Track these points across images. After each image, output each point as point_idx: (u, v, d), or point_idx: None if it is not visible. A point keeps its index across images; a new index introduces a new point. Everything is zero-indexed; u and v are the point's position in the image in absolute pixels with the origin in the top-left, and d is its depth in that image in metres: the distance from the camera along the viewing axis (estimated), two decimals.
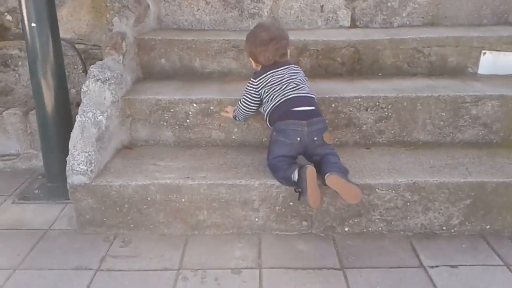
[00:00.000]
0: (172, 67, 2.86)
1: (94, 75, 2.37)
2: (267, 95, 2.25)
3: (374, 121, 2.50)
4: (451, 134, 2.50)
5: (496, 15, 3.21)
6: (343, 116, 2.49)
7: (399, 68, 2.86)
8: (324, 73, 2.85)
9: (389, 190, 2.14)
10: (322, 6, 3.22)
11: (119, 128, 2.45)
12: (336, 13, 3.23)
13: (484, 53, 2.81)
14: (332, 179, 2.00)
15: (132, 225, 2.18)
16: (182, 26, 3.24)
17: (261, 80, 2.26)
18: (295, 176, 2.05)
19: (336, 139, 2.48)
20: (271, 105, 2.22)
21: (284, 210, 2.16)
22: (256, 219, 2.17)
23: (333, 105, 2.48)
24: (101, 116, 2.28)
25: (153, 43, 2.83)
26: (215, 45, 2.82)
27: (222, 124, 2.51)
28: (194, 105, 2.48)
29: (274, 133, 2.20)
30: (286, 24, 3.21)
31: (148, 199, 2.14)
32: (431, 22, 3.23)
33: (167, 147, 2.52)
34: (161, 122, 2.52)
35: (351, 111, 2.49)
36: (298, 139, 2.14)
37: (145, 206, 2.15)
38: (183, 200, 2.14)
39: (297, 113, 2.16)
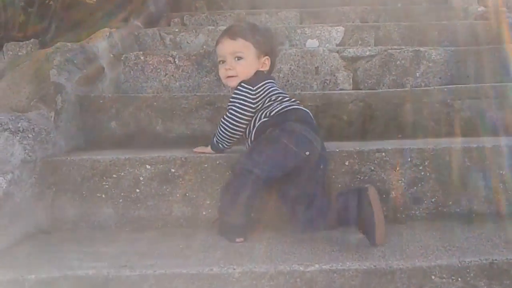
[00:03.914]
0: (125, 133, 2.15)
1: (1, 124, 1.64)
2: (261, 106, 1.68)
3: (406, 185, 1.74)
4: None
5: None
6: (361, 178, 1.74)
7: (424, 128, 2.18)
8: (326, 135, 2.14)
9: (453, 277, 1.31)
10: (317, 68, 2.64)
11: (33, 203, 1.66)
12: (334, 75, 2.64)
13: None
14: (373, 191, 1.48)
15: None
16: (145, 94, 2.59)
17: (261, 88, 1.67)
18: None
19: None
20: (267, 112, 1.66)
21: None
22: None
23: (346, 163, 1.74)
24: (1, 178, 1.50)
25: (101, 101, 2.16)
26: (183, 102, 2.15)
27: (188, 194, 1.73)
28: (147, 167, 1.73)
29: (277, 131, 1.59)
30: None
31: None
32: (451, 83, 2.63)
33: (105, 230, 1.71)
34: (98, 194, 1.73)
35: (372, 170, 1.74)
36: (307, 153, 1.54)
37: None
38: None
39: (310, 125, 1.64)
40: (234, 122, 1.67)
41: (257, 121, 1.65)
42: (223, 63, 1.76)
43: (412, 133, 2.17)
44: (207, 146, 1.79)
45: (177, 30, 3.15)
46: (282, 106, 1.65)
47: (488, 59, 2.64)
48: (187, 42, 3.12)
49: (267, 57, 1.77)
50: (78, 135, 2.13)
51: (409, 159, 1.74)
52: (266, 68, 1.78)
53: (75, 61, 2.26)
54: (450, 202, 1.75)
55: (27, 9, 3.04)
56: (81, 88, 2.25)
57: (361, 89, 2.59)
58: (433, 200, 1.75)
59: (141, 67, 2.62)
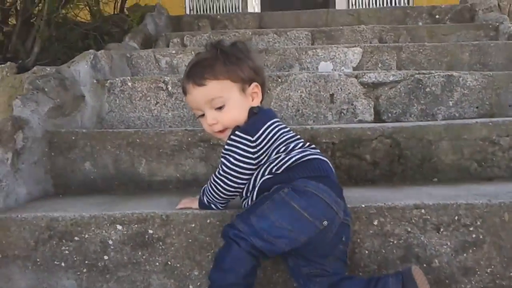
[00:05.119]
0: (101, 175, 1.78)
1: None
2: (265, 160, 1.27)
3: (453, 251, 1.35)
4: None
5: None
6: (395, 242, 1.35)
7: (465, 170, 1.79)
8: (345, 178, 1.77)
9: None
10: (332, 96, 2.27)
11: None
12: (352, 104, 2.26)
13: None
14: (420, 274, 1.16)
15: None
16: (132, 126, 2.23)
17: (264, 135, 1.27)
18: None
19: None
20: (272, 168, 1.26)
21: None
22: None
23: (375, 222, 1.35)
24: None
25: (73, 138, 1.79)
26: (172, 139, 1.78)
27: (170, 263, 1.34)
28: (119, 227, 1.35)
29: (285, 191, 1.19)
30: (282, 120, 2.21)
31: None
32: (490, 113, 2.24)
33: None
34: (57, 262, 1.36)
35: (409, 232, 1.35)
36: (325, 222, 1.17)
37: None
38: None
39: (330, 181, 1.22)
40: (229, 182, 1.27)
41: (258, 178, 1.26)
42: (202, 116, 1.34)
43: (451, 177, 1.78)
44: (196, 197, 1.40)
45: (174, 52, 2.81)
46: (293, 158, 1.25)
47: None
48: (185, 65, 2.72)
49: (254, 83, 1.33)
50: (46, 178, 1.76)
51: (456, 218, 1.35)
52: (258, 98, 1.34)
53: (46, 89, 1.91)
54: (511, 273, 1.34)
55: (3, 28, 2.72)
56: (53, 122, 1.89)
57: (384, 121, 2.21)
58: (488, 270, 1.34)
59: (128, 95, 2.26)
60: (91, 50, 2.45)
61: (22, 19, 2.92)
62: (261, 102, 1.36)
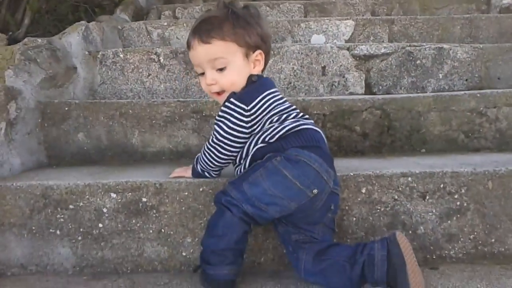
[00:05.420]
0: (95, 146, 1.80)
1: None
2: (259, 130, 1.28)
3: (438, 218, 1.39)
4: None
5: None
6: (382, 209, 1.39)
7: (453, 141, 1.83)
8: (336, 149, 1.80)
9: None
10: (323, 68, 2.28)
11: None
12: (344, 77, 2.27)
13: None
14: (403, 238, 1.17)
15: None
16: (124, 98, 2.24)
17: (258, 105, 1.27)
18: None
19: None
20: (266, 137, 1.27)
21: None
22: None
23: (363, 190, 1.38)
24: None
25: (66, 108, 1.80)
26: (164, 110, 1.79)
27: (164, 230, 1.38)
28: (113, 195, 1.38)
29: (278, 159, 1.21)
30: None
31: None
32: (479, 86, 2.27)
33: (59, 276, 1.35)
34: (51, 229, 1.39)
35: (396, 199, 1.39)
36: (315, 190, 1.19)
37: None
38: None
39: (321, 151, 1.24)
40: (222, 150, 1.29)
41: (251, 146, 1.28)
42: (202, 74, 1.33)
43: (439, 148, 1.81)
44: (189, 166, 1.43)
45: (165, 24, 2.79)
46: (286, 127, 1.26)
47: None
48: (177, 38, 2.76)
49: (258, 51, 1.32)
50: (40, 149, 1.78)
51: (441, 186, 1.39)
52: (260, 66, 1.33)
53: (38, 60, 1.91)
54: (493, 240, 1.39)
55: None
56: (45, 93, 1.90)
57: (375, 93, 2.23)
58: (471, 237, 1.39)
59: (120, 67, 2.26)
60: (82, 22, 2.44)
61: None
62: (262, 71, 1.36)
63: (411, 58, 2.26)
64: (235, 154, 1.30)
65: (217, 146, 1.29)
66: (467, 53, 2.25)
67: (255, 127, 1.27)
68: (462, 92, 1.87)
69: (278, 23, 2.74)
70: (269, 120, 1.27)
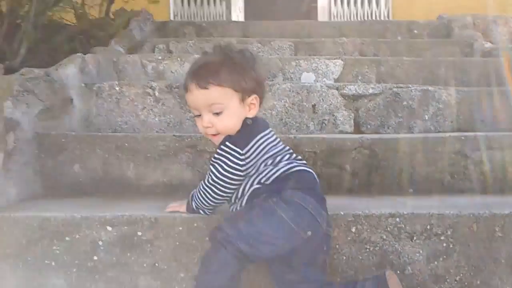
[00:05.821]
0: (90, 178, 1.83)
1: None
2: (254, 172, 1.33)
3: (425, 259, 1.44)
4: None
5: None
6: (371, 249, 1.44)
7: (439, 182, 1.89)
8: (326, 187, 1.84)
9: None
10: (314, 106, 2.35)
11: None
12: (333, 115, 2.35)
13: None
14: (395, 280, 1.23)
15: None
16: (119, 130, 2.28)
17: (253, 148, 1.32)
18: None
19: None
20: (261, 178, 1.32)
21: None
22: None
23: (353, 229, 1.43)
24: None
25: (62, 140, 1.83)
26: (160, 144, 1.84)
27: (158, 264, 1.40)
28: (109, 228, 1.40)
29: (274, 200, 1.25)
30: None
31: None
32: (464, 128, 2.36)
33: None
34: (47, 261, 1.40)
35: (385, 239, 1.44)
36: (309, 233, 1.24)
37: None
38: None
39: (314, 193, 1.29)
40: (217, 191, 1.33)
41: (247, 186, 1.32)
42: (198, 116, 1.37)
43: (426, 188, 1.88)
44: (184, 201, 1.46)
45: (160, 57, 2.85)
46: (280, 170, 1.31)
47: (503, 102, 2.39)
48: (171, 72, 2.82)
49: (254, 95, 1.35)
50: (35, 180, 1.80)
51: (428, 227, 1.44)
52: (255, 110, 1.36)
53: (36, 91, 1.94)
54: (478, 282, 1.44)
55: None
56: (42, 124, 1.93)
57: (364, 132, 2.30)
58: (457, 278, 1.44)
59: (116, 99, 2.30)
60: (79, 54, 2.49)
61: (9, 20, 2.93)
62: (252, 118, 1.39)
63: (397, 99, 2.34)
64: (230, 194, 1.34)
65: (212, 187, 1.33)
66: (451, 95, 2.35)
67: (250, 169, 1.31)
68: (448, 135, 1.95)
69: (269, 60, 2.83)
70: (264, 163, 1.32)
